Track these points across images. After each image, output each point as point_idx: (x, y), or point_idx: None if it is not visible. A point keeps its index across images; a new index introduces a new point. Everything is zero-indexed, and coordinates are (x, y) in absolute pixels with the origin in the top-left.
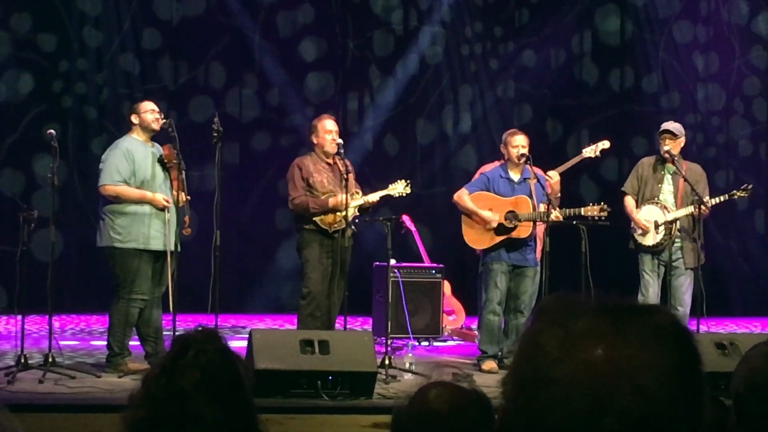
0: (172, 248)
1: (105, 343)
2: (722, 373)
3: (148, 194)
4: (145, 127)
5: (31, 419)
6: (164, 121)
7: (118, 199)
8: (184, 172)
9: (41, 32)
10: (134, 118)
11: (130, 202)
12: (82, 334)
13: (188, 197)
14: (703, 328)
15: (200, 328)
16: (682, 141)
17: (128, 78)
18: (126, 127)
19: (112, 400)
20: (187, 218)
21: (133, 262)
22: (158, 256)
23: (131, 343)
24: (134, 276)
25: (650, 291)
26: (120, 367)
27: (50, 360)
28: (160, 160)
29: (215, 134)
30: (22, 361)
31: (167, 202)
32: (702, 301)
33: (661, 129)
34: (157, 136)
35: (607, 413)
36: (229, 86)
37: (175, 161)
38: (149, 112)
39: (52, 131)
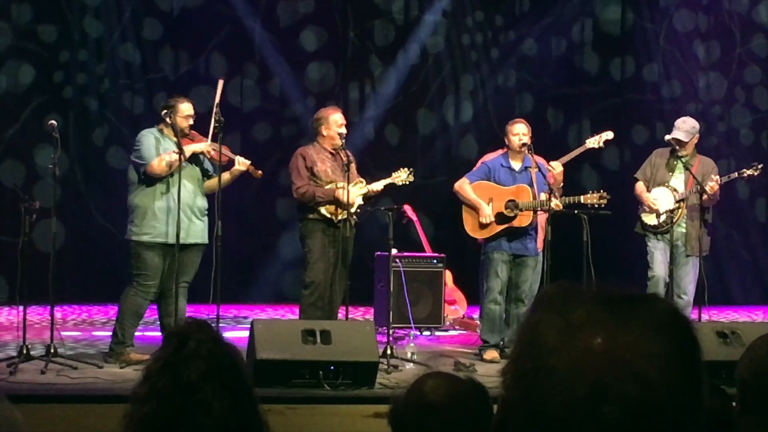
0: (193, 241)
1: (107, 333)
2: (724, 362)
3: (194, 147)
4: (177, 131)
5: (32, 410)
6: (165, 111)
7: (170, 169)
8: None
9: (42, 23)
10: (169, 119)
11: (165, 172)
12: (83, 325)
13: (235, 156)
14: (704, 316)
15: (191, 320)
16: (695, 140)
17: (129, 68)
18: (126, 118)
19: (113, 390)
20: (245, 165)
21: (145, 253)
22: (184, 246)
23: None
24: (145, 267)
25: (660, 272)
26: (121, 356)
27: (52, 351)
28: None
29: (216, 124)
30: (24, 351)
31: (209, 152)
32: (704, 290)
33: (672, 137)
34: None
35: (607, 401)
36: (230, 76)
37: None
38: (186, 118)
39: (53, 122)
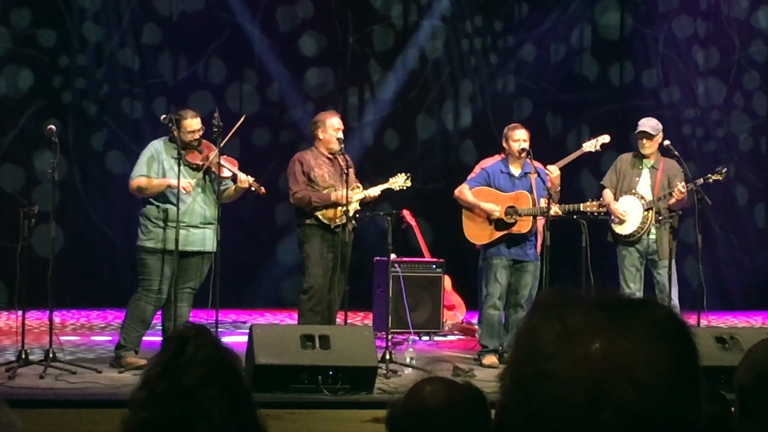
0: (193, 248)
1: (106, 338)
2: (722, 367)
3: (167, 180)
4: (182, 145)
5: (31, 414)
6: (164, 116)
7: (141, 192)
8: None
9: (41, 28)
10: (175, 131)
11: (152, 193)
12: (82, 330)
13: (238, 173)
14: (703, 322)
15: (190, 324)
16: (659, 138)
17: (128, 73)
18: (125, 123)
19: (112, 395)
20: (248, 183)
21: (148, 258)
22: (187, 254)
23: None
24: (148, 272)
25: (631, 286)
26: (121, 360)
27: (51, 355)
28: (188, 166)
29: (215, 129)
30: (23, 356)
31: (186, 189)
32: (702, 295)
33: (638, 130)
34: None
35: (606, 407)
36: (229, 81)
37: (202, 162)
38: (191, 133)
39: (52, 127)
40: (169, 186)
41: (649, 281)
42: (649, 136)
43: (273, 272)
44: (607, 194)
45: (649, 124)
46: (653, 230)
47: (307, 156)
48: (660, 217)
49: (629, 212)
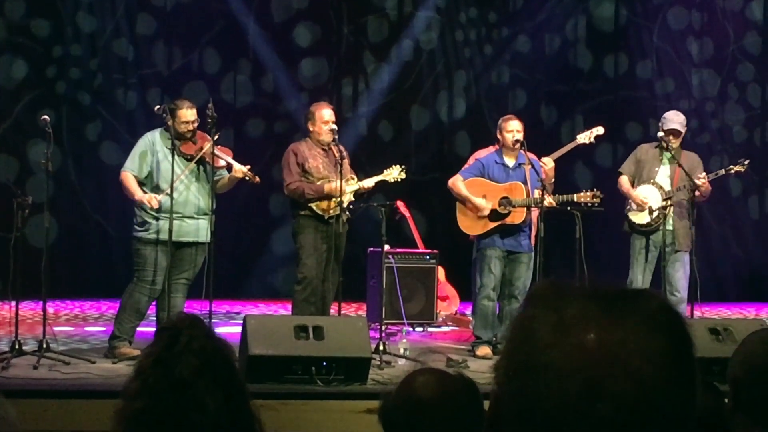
0: (187, 239)
1: (99, 328)
2: (716, 359)
3: (138, 194)
4: (176, 135)
5: (25, 405)
6: (158, 107)
7: (123, 186)
8: (214, 148)
9: (35, 18)
10: (170, 121)
11: (128, 193)
12: (76, 320)
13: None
14: (697, 313)
15: (183, 315)
16: (684, 131)
17: (122, 63)
18: (119, 113)
19: (106, 386)
20: (242, 173)
21: (143, 249)
22: (182, 245)
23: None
24: (143, 263)
25: (639, 277)
26: (115, 351)
27: (44, 346)
28: (182, 156)
29: (209, 120)
30: (17, 347)
31: (151, 203)
32: (696, 286)
33: (669, 127)
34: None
35: (601, 398)
36: (223, 72)
37: (196, 153)
38: (185, 123)
39: (46, 117)
40: (137, 201)
41: (658, 273)
42: (679, 134)
43: (267, 263)
44: (625, 181)
45: (677, 120)
46: (670, 221)
47: (302, 147)
48: (661, 211)
49: (649, 200)
